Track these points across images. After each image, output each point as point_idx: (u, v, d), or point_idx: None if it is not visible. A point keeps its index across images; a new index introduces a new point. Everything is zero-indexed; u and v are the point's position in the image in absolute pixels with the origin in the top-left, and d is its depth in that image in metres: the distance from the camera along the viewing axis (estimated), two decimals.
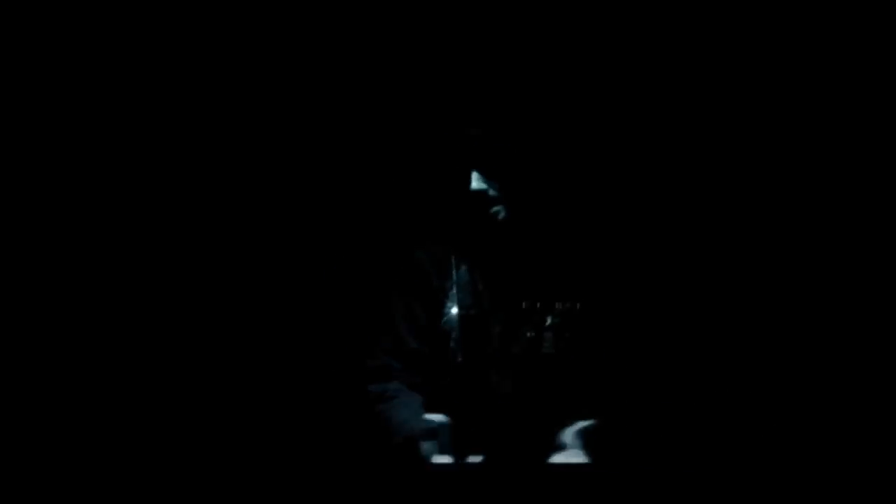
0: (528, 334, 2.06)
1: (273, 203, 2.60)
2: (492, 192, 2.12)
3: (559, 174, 2.41)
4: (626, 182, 2.58)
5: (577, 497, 2.02)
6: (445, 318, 2.18)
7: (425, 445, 2.02)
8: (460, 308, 2.16)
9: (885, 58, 2.45)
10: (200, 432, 2.50)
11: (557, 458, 2.00)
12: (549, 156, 2.32)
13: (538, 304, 2.07)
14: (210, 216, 2.57)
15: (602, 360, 2.11)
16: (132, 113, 2.56)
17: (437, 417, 2.06)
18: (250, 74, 2.58)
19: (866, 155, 2.47)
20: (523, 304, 2.08)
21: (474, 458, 2.01)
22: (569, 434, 2.03)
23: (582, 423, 2.05)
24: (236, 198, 2.59)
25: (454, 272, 2.19)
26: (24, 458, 2.46)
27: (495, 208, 2.12)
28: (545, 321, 2.06)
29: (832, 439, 2.44)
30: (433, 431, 2.03)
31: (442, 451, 2.03)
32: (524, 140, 2.21)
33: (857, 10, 2.45)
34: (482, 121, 2.22)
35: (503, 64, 2.55)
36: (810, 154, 2.51)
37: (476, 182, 2.11)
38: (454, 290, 2.18)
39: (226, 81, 2.57)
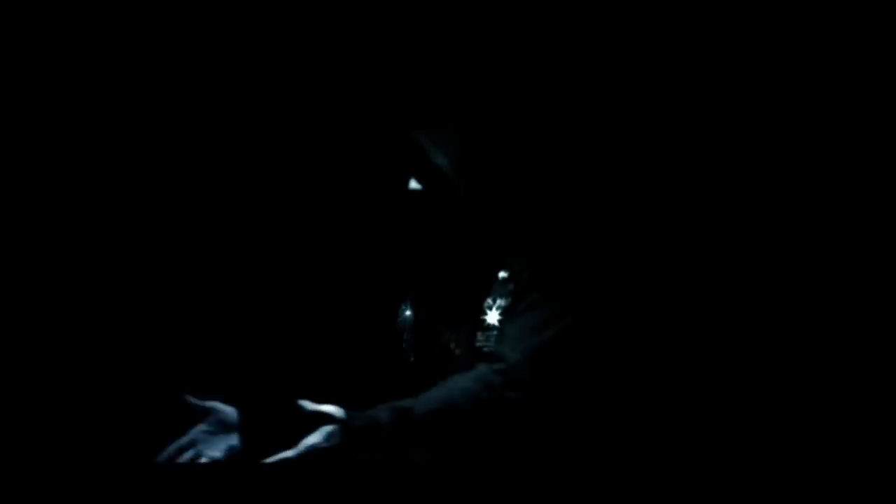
0: (479, 337, 1.98)
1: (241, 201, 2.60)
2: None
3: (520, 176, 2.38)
4: (586, 181, 2.56)
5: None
6: (400, 318, 2.13)
7: None
8: (413, 310, 2.11)
9: (885, 58, 2.45)
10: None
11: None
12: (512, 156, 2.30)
13: (488, 308, 2.00)
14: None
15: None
16: (131, 113, 2.57)
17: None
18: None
19: (866, 155, 2.47)
20: (475, 309, 2.01)
21: None
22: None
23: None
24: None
25: (411, 273, 2.14)
26: (24, 458, 2.47)
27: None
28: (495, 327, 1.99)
29: (825, 439, 2.45)
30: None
31: None
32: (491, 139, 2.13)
33: (857, 10, 2.45)
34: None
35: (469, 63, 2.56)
36: (806, 154, 2.51)
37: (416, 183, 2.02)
38: (410, 291, 2.13)
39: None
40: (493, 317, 1.98)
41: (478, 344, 1.98)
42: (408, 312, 2.11)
